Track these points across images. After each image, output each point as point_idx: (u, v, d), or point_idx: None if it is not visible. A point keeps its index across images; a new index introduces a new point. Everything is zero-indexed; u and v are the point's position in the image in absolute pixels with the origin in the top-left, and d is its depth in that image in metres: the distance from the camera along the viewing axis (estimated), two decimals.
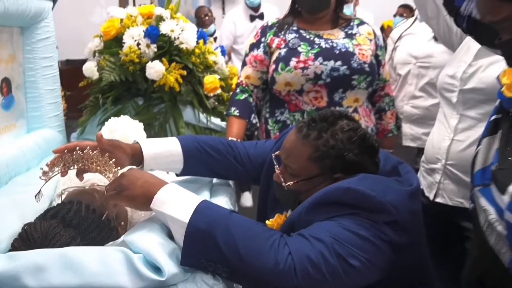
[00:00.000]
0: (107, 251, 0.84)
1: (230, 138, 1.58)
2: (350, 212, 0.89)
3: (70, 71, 3.68)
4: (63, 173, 1.04)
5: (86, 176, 1.10)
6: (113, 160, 1.02)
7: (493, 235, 0.77)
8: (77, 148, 1.04)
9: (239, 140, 1.59)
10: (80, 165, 1.02)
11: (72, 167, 1.03)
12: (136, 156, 1.14)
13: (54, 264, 0.79)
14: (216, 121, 1.87)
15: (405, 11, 3.11)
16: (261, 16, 3.70)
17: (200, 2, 3.91)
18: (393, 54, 2.35)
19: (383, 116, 1.81)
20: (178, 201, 0.91)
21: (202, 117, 1.82)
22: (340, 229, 0.86)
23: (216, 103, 1.88)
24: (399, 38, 2.31)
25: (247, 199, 3.32)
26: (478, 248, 0.88)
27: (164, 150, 1.19)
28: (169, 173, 1.28)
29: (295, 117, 1.62)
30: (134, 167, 1.12)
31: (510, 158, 0.75)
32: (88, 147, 1.03)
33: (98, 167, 1.01)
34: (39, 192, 1.03)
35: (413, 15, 2.36)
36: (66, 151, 1.04)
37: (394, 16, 3.38)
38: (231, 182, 1.41)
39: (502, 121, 0.82)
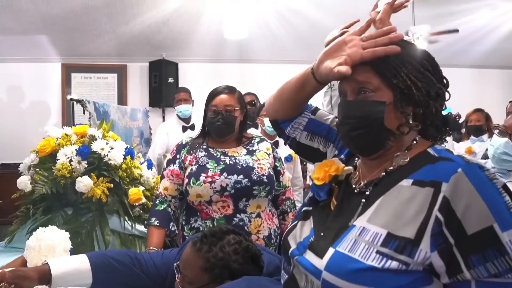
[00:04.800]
0: None
1: (151, 248, 1.74)
2: None
3: (5, 176, 3.72)
4: None
5: None
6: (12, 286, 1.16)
7: None
8: None
9: (159, 249, 1.74)
10: None
11: None
12: (44, 277, 1.24)
13: None
14: (141, 228, 2.03)
15: None
16: (192, 127, 3.91)
17: (137, 115, 4.17)
18: (307, 165, 2.77)
19: (286, 217, 2.04)
20: None
21: (127, 224, 1.99)
22: None
23: (141, 211, 2.06)
24: None
25: None
26: None
27: (72, 269, 1.29)
28: None
29: (207, 224, 1.81)
30: (44, 286, 1.24)
31: (322, 234, 0.97)
32: None
33: None
34: None
35: None
36: None
37: None
38: None
39: (312, 211, 1.06)
